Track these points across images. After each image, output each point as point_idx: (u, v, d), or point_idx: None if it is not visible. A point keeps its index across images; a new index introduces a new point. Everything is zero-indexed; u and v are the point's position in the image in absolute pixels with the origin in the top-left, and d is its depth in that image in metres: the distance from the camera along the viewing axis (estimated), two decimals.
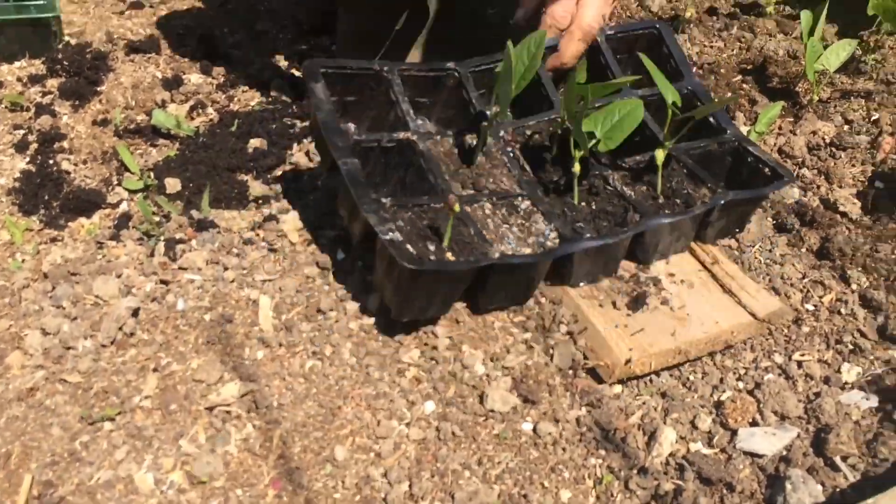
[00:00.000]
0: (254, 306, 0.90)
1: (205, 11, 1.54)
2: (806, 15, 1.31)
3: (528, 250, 0.88)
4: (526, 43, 0.91)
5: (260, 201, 1.06)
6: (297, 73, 1.37)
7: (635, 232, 0.92)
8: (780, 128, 1.28)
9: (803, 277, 1.03)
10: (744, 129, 1.26)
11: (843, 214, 1.13)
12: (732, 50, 1.51)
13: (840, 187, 1.18)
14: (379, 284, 0.88)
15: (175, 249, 0.96)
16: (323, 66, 0.95)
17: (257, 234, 0.99)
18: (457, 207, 0.82)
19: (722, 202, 0.96)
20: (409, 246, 0.81)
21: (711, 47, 1.52)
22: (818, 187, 1.18)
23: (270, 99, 1.29)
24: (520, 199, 0.94)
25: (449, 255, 0.84)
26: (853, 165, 1.21)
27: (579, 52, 1.03)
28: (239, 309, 0.90)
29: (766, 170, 1.02)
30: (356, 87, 0.98)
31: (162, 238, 0.98)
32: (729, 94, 1.33)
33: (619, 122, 0.94)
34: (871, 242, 1.07)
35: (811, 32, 1.30)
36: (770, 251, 1.07)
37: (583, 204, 0.97)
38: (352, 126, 0.99)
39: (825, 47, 1.49)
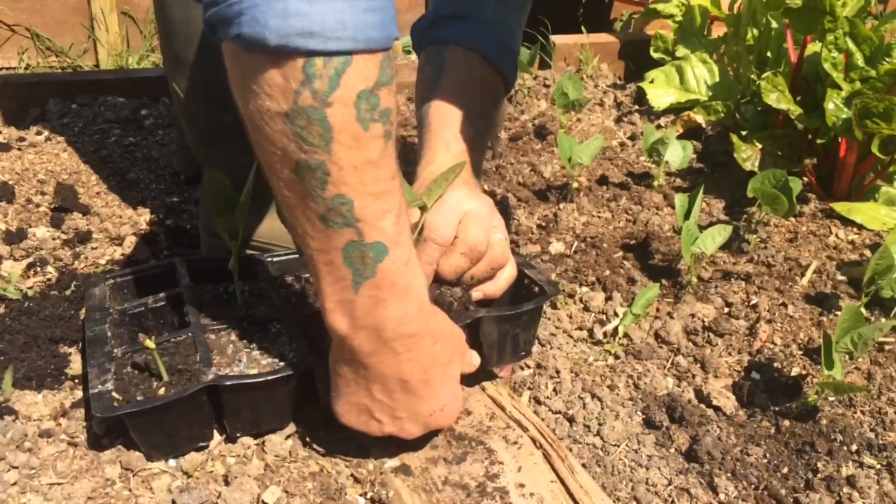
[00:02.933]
0: None
1: (76, 157, 1.47)
2: (681, 199, 1.30)
3: (254, 371, 0.86)
4: None
5: (76, 380, 0.95)
6: (157, 229, 1.29)
7: None
8: (657, 310, 1.24)
9: (669, 484, 0.95)
10: (619, 311, 1.22)
11: (717, 409, 1.07)
12: (619, 222, 1.50)
13: (716, 377, 1.13)
14: None
15: None
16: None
17: (59, 425, 0.88)
18: (148, 343, 0.81)
19: (468, 321, 0.92)
20: (115, 394, 0.81)
21: (599, 217, 1.51)
22: (693, 377, 1.13)
23: (122, 258, 1.20)
24: (274, 323, 0.93)
25: (162, 391, 0.83)
26: (730, 354, 1.17)
27: (460, 267, 0.94)
28: None
29: (536, 289, 1.01)
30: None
31: None
32: (607, 272, 1.30)
33: None
34: (743, 444, 1.00)
35: (686, 216, 1.29)
36: (636, 451, 0.99)
37: None
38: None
39: (709, 224, 1.49)
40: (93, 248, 1.20)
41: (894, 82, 1.39)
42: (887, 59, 1.45)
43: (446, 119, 1.00)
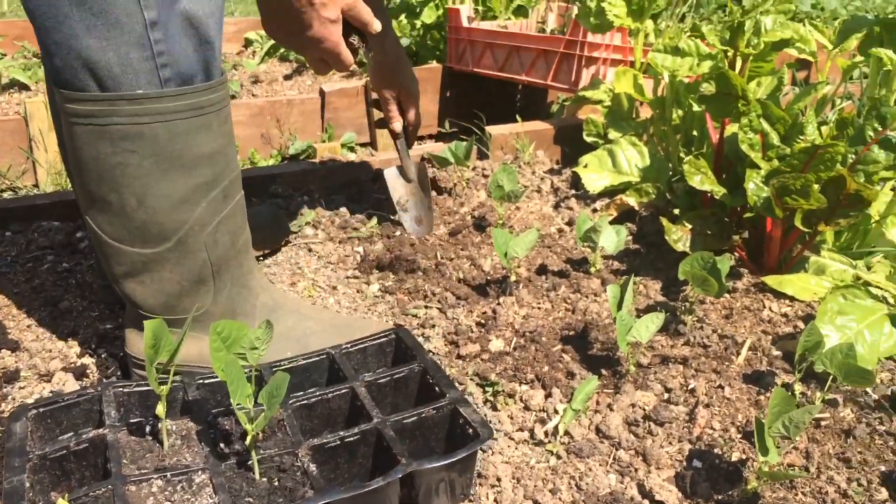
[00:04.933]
0: None
1: (7, 288, 1.46)
2: (612, 290, 1.32)
3: None
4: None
5: None
6: (88, 360, 1.27)
7: None
8: (597, 402, 1.25)
9: None
10: (560, 407, 1.22)
11: None
12: (558, 312, 1.51)
13: (658, 468, 1.12)
14: None
15: None
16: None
17: None
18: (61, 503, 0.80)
19: (400, 475, 0.91)
20: None
21: (539, 308, 1.52)
22: (635, 470, 1.12)
23: (52, 395, 1.18)
24: (199, 472, 0.91)
25: None
26: (670, 443, 1.17)
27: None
28: None
29: (471, 430, 0.99)
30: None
31: None
32: (546, 367, 1.30)
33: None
34: None
35: (619, 306, 1.30)
36: None
37: (264, 479, 0.94)
38: None
39: (647, 307, 1.51)
40: (20, 388, 1.18)
41: (809, 159, 1.44)
42: (801, 137, 1.51)
43: None
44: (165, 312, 1.12)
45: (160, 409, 0.93)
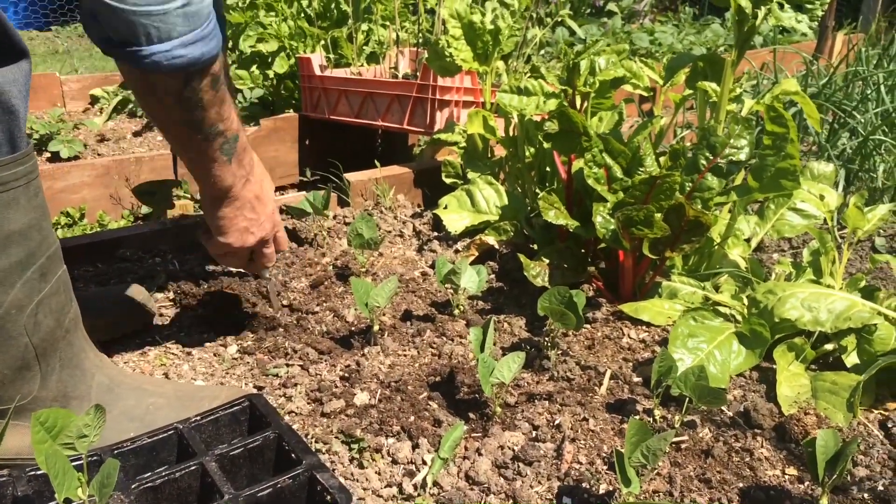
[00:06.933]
0: None
1: None
2: (475, 332, 1.32)
3: None
4: None
5: None
6: None
7: None
8: (466, 448, 1.23)
9: None
10: (428, 458, 1.19)
11: None
12: (424, 358, 1.49)
13: None
14: None
15: None
16: None
17: None
18: None
19: None
20: None
21: (405, 356, 1.49)
22: None
23: None
24: None
25: None
26: (540, 482, 1.16)
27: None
28: None
29: (329, 497, 0.96)
30: None
31: None
32: (412, 418, 1.27)
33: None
34: None
35: (482, 348, 1.30)
36: None
37: None
38: None
39: (512, 345, 1.52)
40: None
41: (650, 189, 1.50)
42: (641, 169, 1.57)
43: None
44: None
45: None
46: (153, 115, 1.16)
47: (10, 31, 0.97)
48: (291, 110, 2.98)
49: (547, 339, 1.49)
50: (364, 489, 1.14)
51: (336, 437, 1.24)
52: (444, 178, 2.24)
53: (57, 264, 1.07)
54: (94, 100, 3.54)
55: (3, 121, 0.95)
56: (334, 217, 2.17)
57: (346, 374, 1.42)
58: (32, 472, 0.99)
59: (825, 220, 1.80)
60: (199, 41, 1.03)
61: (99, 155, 2.88)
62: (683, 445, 1.23)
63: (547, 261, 1.69)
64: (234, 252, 1.38)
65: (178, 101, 1.08)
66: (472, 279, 1.64)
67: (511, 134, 2.06)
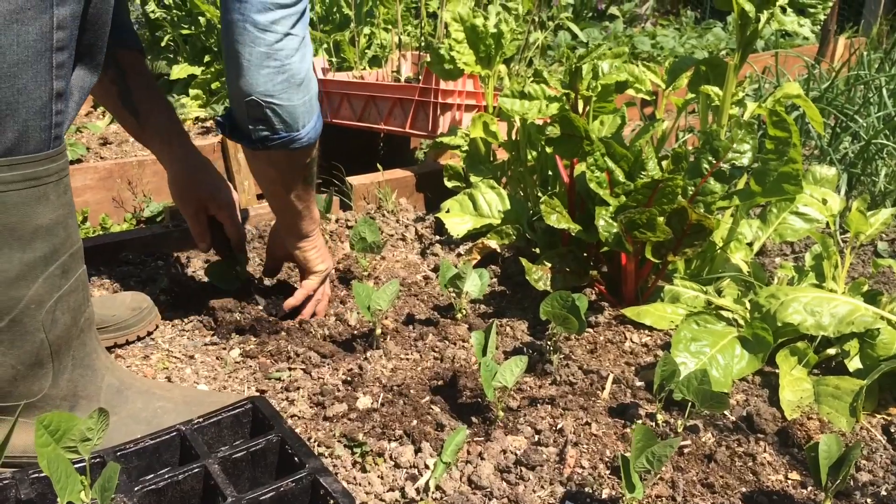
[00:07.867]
0: None
1: None
2: (477, 336, 1.32)
3: None
4: None
5: None
6: None
7: None
8: (468, 452, 1.23)
9: None
10: (430, 462, 1.19)
11: None
12: (427, 362, 1.49)
13: None
14: None
15: None
16: None
17: None
18: None
19: None
20: None
21: (407, 360, 1.49)
22: None
23: None
24: None
25: None
26: (542, 487, 1.16)
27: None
28: None
29: (332, 502, 0.96)
30: None
31: None
32: (414, 422, 1.27)
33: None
34: None
35: (484, 352, 1.30)
36: None
37: None
38: None
39: (514, 349, 1.52)
40: None
41: (652, 193, 1.50)
42: (643, 173, 1.57)
43: None
44: None
45: None
46: (286, 183, 1.44)
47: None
48: None
49: (549, 343, 1.48)
50: (367, 493, 1.14)
51: (339, 441, 1.24)
52: (446, 182, 2.24)
53: (78, 263, 1.07)
54: (97, 103, 3.54)
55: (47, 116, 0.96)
56: (336, 221, 2.17)
57: (349, 378, 1.41)
58: (35, 475, 0.99)
59: (827, 224, 1.80)
60: (318, 113, 1.37)
61: (101, 158, 2.88)
62: (686, 450, 1.22)
63: (549, 265, 1.69)
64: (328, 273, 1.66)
65: (312, 161, 1.43)
66: (475, 283, 1.65)
67: (513, 138, 2.06)
